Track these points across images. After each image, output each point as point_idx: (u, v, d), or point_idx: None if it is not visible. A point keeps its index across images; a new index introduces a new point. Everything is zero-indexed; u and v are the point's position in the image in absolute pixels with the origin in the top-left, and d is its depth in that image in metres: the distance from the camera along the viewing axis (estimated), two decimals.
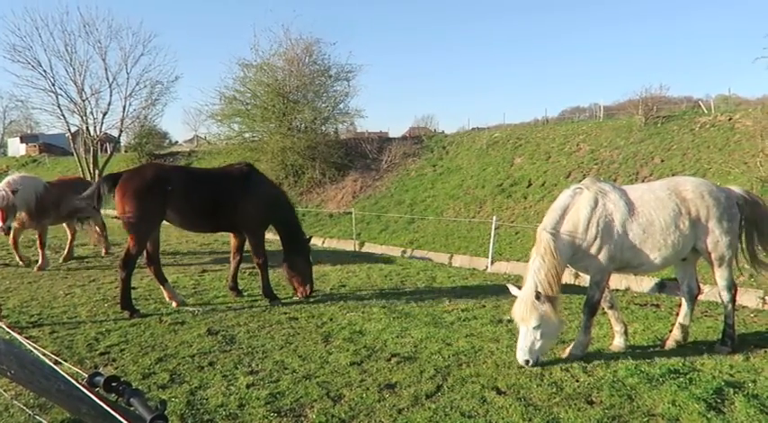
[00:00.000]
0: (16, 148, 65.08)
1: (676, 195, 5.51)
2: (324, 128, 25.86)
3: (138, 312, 7.22)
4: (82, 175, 11.20)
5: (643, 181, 13.73)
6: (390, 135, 32.16)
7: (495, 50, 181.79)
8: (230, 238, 8.68)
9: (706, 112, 18.00)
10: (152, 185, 7.18)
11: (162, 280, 7.78)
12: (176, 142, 54.52)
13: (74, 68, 33.64)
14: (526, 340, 5.14)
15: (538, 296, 5.09)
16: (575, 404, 4.35)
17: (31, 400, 4.13)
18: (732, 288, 5.72)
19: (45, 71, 33.14)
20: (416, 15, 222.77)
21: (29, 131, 63.86)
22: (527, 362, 5.14)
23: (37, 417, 3.83)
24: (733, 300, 5.73)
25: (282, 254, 8.25)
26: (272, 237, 9.25)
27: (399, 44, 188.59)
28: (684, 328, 5.92)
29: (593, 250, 5.36)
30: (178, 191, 7.30)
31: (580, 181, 6.26)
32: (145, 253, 7.64)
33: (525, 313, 5.10)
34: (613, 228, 5.35)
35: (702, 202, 5.47)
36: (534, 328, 5.10)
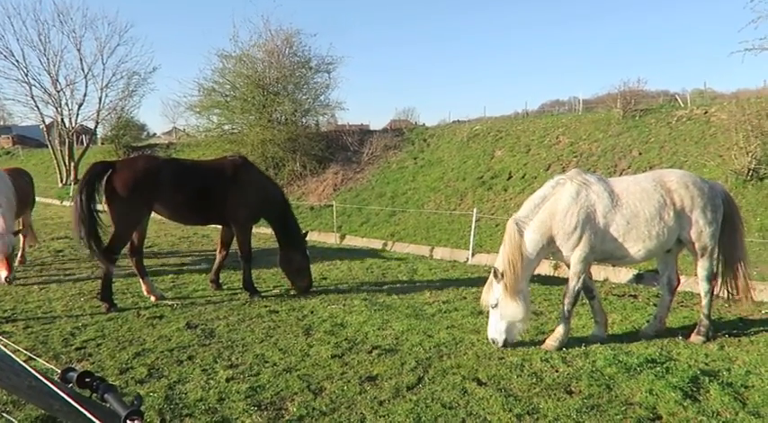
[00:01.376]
0: None
1: (661, 186, 5.57)
2: (304, 120, 25.63)
3: (116, 306, 7.13)
4: (21, 167, 10.32)
5: (621, 173, 13.89)
6: (371, 128, 32.02)
7: (475, 43, 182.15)
8: (218, 232, 8.60)
9: (682, 105, 18.23)
10: (142, 177, 7.08)
11: (143, 273, 7.67)
12: (154, 134, 53.75)
13: (48, 59, 32.94)
14: (491, 320, 5.57)
15: (495, 274, 5.41)
16: (554, 394, 4.39)
17: (4, 397, 4.04)
18: (712, 279, 5.82)
19: (18, 61, 32.38)
20: (398, 7, 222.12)
21: (1, 123, 62.37)
22: (493, 341, 5.52)
23: (7, 415, 3.75)
24: (711, 290, 5.83)
25: (279, 249, 8.17)
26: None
27: (380, 36, 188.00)
28: (662, 319, 6.02)
29: (571, 240, 5.41)
30: (167, 183, 7.21)
31: (560, 173, 6.32)
32: (129, 244, 7.55)
33: (485, 293, 5.56)
34: (595, 218, 5.40)
35: (687, 192, 5.54)
36: (493, 306, 5.45)
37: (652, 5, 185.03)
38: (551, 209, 5.47)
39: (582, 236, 5.40)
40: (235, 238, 8.03)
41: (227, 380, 4.70)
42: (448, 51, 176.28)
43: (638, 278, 9.30)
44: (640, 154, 14.63)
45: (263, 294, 7.87)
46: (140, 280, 7.71)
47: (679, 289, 6.48)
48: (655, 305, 6.92)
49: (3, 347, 1.83)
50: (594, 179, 5.63)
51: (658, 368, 4.86)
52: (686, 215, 5.55)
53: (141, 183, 7.05)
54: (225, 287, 8.32)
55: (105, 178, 7.01)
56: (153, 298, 7.56)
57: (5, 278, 7.89)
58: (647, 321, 6.29)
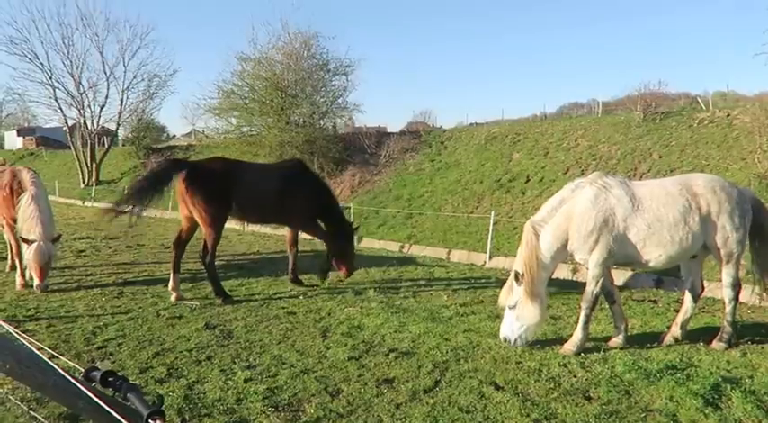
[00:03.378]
0: (13, 141, 64.78)
1: (687, 191, 5.47)
2: (322, 122, 25.73)
3: (231, 298, 7.55)
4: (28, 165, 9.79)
5: (641, 177, 13.72)
6: (389, 130, 32.04)
7: (493, 46, 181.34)
8: (286, 232, 9.39)
9: (704, 108, 17.96)
10: (221, 179, 7.65)
11: (176, 268, 7.88)
12: (174, 136, 54.34)
13: (71, 61, 33.54)
14: (506, 319, 5.59)
15: (516, 277, 5.41)
16: (572, 399, 4.36)
17: (28, 395, 4.12)
18: (737, 286, 5.71)
19: (42, 64, 33.04)
20: (415, 9, 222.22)
21: (26, 124, 63.59)
22: (505, 339, 5.56)
23: (33, 411, 3.81)
24: (736, 297, 5.73)
25: (330, 240, 8.76)
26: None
27: (398, 39, 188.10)
28: (683, 326, 5.93)
29: (588, 244, 5.37)
30: (241, 184, 7.77)
31: (579, 176, 6.29)
32: (176, 237, 8.01)
33: (503, 294, 5.58)
34: (614, 222, 5.34)
35: (714, 197, 5.44)
36: (510, 307, 5.47)
37: (672, 6, 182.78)
38: (568, 212, 5.44)
39: (599, 239, 5.35)
40: (293, 235, 8.82)
41: (245, 380, 4.73)
42: (466, 53, 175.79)
43: (658, 282, 9.18)
44: (661, 157, 14.45)
45: (281, 296, 7.94)
46: (171, 274, 7.84)
47: (702, 295, 6.38)
48: (675, 310, 6.82)
49: (29, 345, 1.87)
50: (615, 182, 5.57)
51: (679, 375, 4.79)
52: (712, 221, 5.44)
53: (224, 183, 7.65)
54: (243, 288, 8.38)
55: (181, 179, 7.53)
56: (174, 296, 7.66)
57: (38, 286, 7.87)
58: (668, 327, 6.20)
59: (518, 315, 5.43)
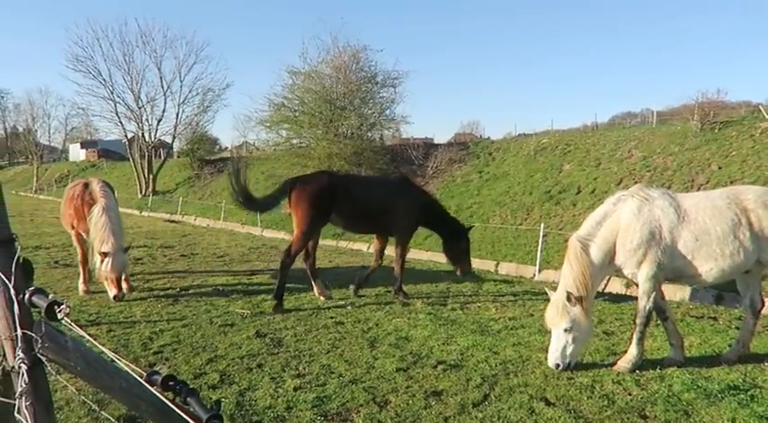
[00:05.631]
0: (77, 153, 68.16)
1: (736, 205, 5.27)
2: (370, 134, 26.01)
3: (281, 308, 7.80)
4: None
5: (699, 189, 13.24)
6: (436, 141, 32.05)
7: (541, 55, 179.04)
8: (373, 242, 9.93)
9: (767, 117, 17.21)
10: (323, 191, 8.15)
11: (315, 275, 8.65)
12: (226, 148, 55.93)
13: (131, 77, 35.21)
14: (558, 343, 5.26)
15: (569, 298, 5.15)
16: (627, 418, 4.23)
17: (92, 396, 4.30)
18: None
19: (104, 80, 34.82)
20: (461, 21, 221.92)
21: (89, 137, 66.77)
22: (557, 366, 5.22)
23: (96, 411, 3.98)
24: None
25: (444, 242, 9.27)
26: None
27: (445, 51, 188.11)
28: (745, 343, 5.66)
29: (636, 257, 5.22)
30: (345, 196, 8.20)
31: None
32: (304, 250, 8.50)
33: (556, 316, 5.23)
34: (660, 234, 5.19)
35: (766, 212, 5.21)
36: (565, 330, 5.19)
37: (732, 11, 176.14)
38: (613, 225, 5.31)
39: (647, 252, 5.20)
40: (382, 247, 9.24)
41: (295, 389, 4.80)
42: (513, 64, 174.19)
43: (719, 299, 8.81)
44: (720, 168, 13.91)
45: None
46: (312, 281, 8.62)
47: (766, 312, 6.08)
48: (737, 328, 6.53)
49: (101, 350, 1.97)
50: (658, 194, 5.42)
51: (742, 396, 4.58)
52: (765, 237, 5.21)
53: (322, 195, 8.11)
54: (293, 297, 8.51)
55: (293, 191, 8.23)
56: (323, 299, 8.40)
57: (114, 296, 7.99)
58: (729, 346, 5.94)
59: (574, 337, 5.22)
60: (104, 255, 7.91)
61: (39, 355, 1.78)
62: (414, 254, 15.21)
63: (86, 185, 8.82)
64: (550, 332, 6.35)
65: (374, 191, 8.85)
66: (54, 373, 1.95)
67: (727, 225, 5.16)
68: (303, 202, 8.08)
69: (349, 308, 7.95)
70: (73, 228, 8.90)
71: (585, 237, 5.38)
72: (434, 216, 9.20)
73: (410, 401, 4.55)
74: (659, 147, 16.45)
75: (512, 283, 10.50)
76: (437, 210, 9.35)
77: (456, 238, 9.12)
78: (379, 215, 8.58)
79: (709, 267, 5.19)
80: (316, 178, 8.52)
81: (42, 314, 1.78)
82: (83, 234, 8.76)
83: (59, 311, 1.78)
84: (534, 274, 11.68)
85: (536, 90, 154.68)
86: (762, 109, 19.71)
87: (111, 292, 8.02)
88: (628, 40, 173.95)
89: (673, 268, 5.29)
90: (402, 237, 8.94)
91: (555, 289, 5.55)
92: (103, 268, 7.92)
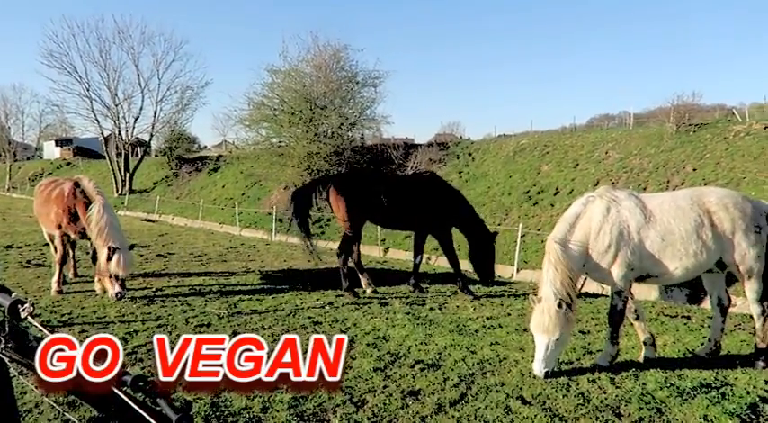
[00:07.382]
0: (51, 151, 66.77)
1: (699, 206, 5.37)
2: (350, 134, 25.94)
3: (356, 292, 8.67)
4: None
5: (674, 190, 13.46)
6: (416, 141, 32.10)
7: (521, 57, 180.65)
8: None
9: (740, 120, 17.57)
10: (362, 187, 8.73)
11: (361, 270, 9.37)
12: (205, 147, 55.37)
13: (108, 74, 34.65)
14: (546, 350, 5.06)
15: (560, 305, 5.07)
16: (602, 416, 4.27)
17: (61, 398, 4.20)
18: (764, 300, 5.53)
19: (80, 76, 34.21)
20: (443, 22, 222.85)
21: (64, 135, 65.55)
22: (547, 373, 5.07)
23: (66, 414, 3.89)
24: (764, 312, 5.53)
25: (468, 246, 9.36)
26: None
27: (426, 51, 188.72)
28: (716, 341, 5.76)
29: (607, 259, 5.28)
30: (379, 193, 8.68)
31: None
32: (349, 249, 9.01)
33: (550, 324, 5.02)
34: (629, 235, 5.26)
35: (727, 215, 5.32)
36: (557, 339, 5.05)
37: (708, 15, 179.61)
38: (585, 228, 5.36)
39: (617, 253, 5.26)
40: (421, 242, 9.59)
41: (271, 390, 4.75)
42: (494, 65, 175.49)
43: (692, 298, 8.96)
44: (695, 170, 14.16)
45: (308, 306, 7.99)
46: (359, 275, 9.29)
47: (739, 311, 6.20)
48: (709, 327, 6.65)
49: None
50: (624, 195, 5.51)
51: (713, 393, 4.65)
52: (727, 238, 5.31)
53: (361, 192, 8.68)
54: (271, 297, 8.44)
55: (326, 189, 8.77)
56: (369, 290, 9.03)
57: (117, 294, 7.84)
58: (701, 343, 6.04)
59: (561, 340, 5.10)
60: (112, 251, 7.73)
61: (1, 354, 1.72)
62: (392, 253, 15.22)
63: (77, 184, 8.56)
64: (529, 332, 6.38)
65: (403, 189, 9.13)
66: (17, 373, 1.89)
67: (690, 225, 5.26)
68: (342, 200, 8.62)
69: (327, 308, 7.92)
70: (59, 228, 8.60)
71: (563, 239, 5.39)
72: (463, 216, 9.32)
73: (387, 401, 4.54)
74: (636, 148, 16.69)
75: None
76: (467, 209, 9.47)
77: (482, 243, 9.21)
78: (412, 212, 8.93)
79: (674, 266, 5.28)
80: (351, 177, 9.04)
81: (6, 313, 1.73)
82: (70, 234, 8.58)
83: (23, 310, 1.73)
84: (512, 275, 11.76)
85: (516, 91, 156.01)
86: (735, 112, 20.12)
87: (113, 289, 7.84)
88: (607, 43, 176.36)
89: (641, 268, 5.36)
90: (440, 235, 9.23)
91: (535, 291, 5.54)
92: (113, 265, 7.75)
